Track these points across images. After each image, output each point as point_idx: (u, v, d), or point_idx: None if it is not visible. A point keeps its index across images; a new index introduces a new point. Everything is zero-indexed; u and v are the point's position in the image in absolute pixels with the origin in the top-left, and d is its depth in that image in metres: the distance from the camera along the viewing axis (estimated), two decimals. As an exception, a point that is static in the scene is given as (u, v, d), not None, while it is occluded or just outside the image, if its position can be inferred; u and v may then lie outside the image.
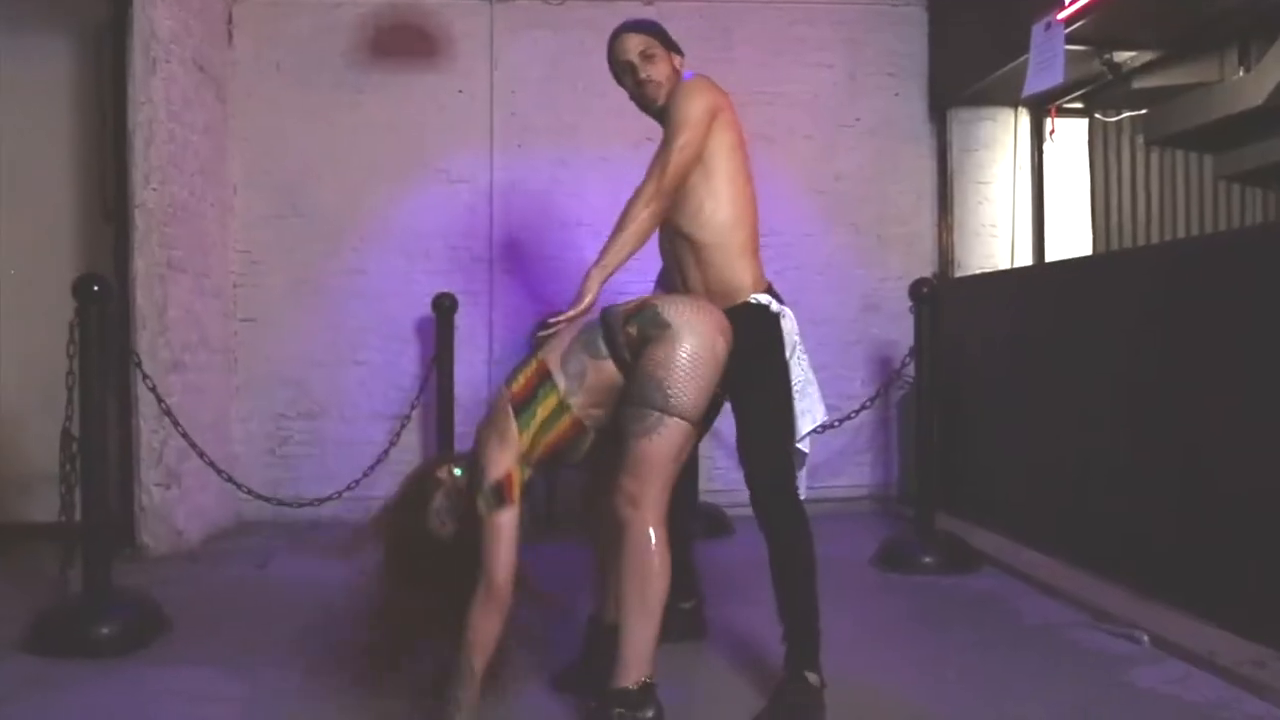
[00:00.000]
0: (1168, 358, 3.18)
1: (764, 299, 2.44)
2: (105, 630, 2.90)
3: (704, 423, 2.38)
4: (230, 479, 3.92)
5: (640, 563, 2.14)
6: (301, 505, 4.44)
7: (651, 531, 2.15)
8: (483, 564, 2.13)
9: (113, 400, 4.23)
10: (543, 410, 2.21)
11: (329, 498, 4.37)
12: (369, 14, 4.97)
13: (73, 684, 2.63)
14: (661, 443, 2.15)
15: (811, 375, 2.48)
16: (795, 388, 2.41)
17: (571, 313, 2.27)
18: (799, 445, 2.43)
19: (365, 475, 4.50)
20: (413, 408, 4.66)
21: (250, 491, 4.09)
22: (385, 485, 4.76)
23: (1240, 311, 2.83)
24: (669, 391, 2.14)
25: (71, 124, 4.50)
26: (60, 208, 4.49)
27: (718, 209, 2.43)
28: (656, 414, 2.14)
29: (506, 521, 2.14)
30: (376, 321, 4.97)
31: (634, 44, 2.54)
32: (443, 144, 5.00)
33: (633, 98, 2.59)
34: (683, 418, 2.16)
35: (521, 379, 2.25)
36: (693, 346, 2.17)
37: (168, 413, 3.82)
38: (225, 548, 4.38)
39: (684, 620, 2.86)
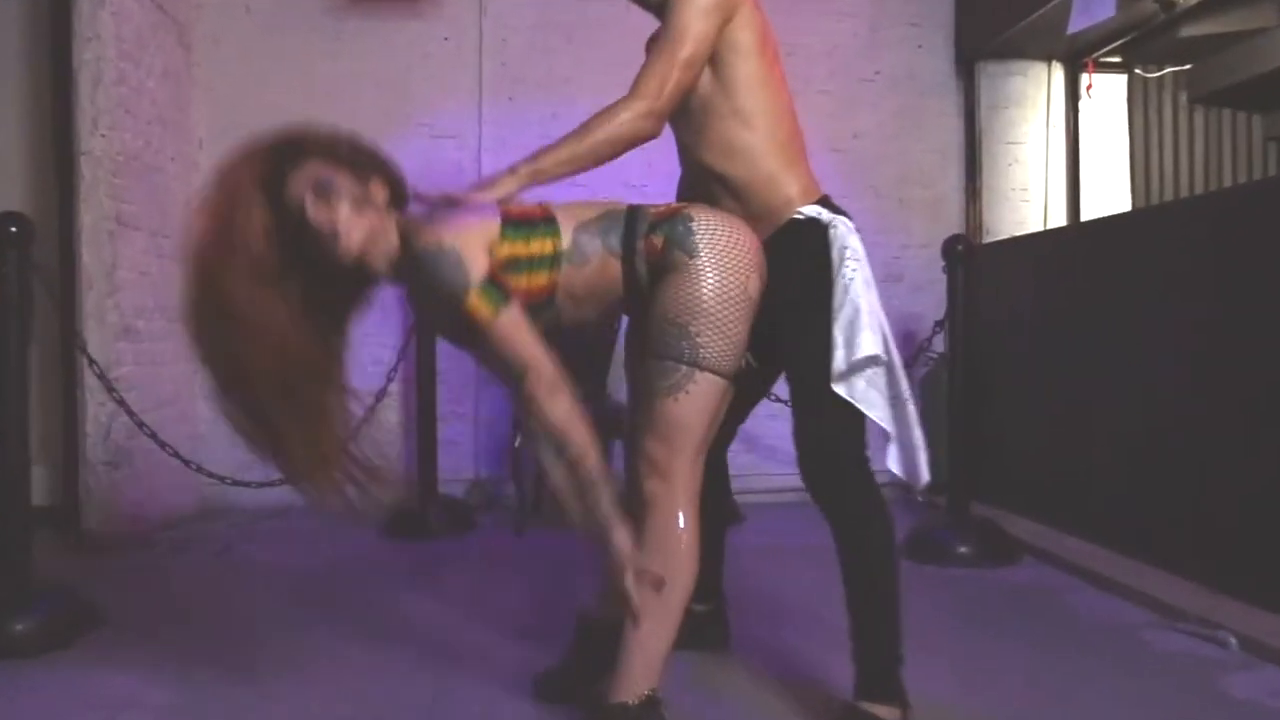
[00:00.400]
0: (1229, 317, 2.78)
1: (813, 211, 1.96)
2: (19, 627, 2.49)
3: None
4: (177, 454, 3.47)
5: (665, 548, 1.75)
6: (262, 486, 4.00)
7: (682, 513, 1.77)
8: (517, 362, 1.73)
9: (56, 368, 3.84)
10: (536, 245, 1.80)
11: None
12: (348, -46, 4.54)
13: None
14: (692, 402, 1.77)
15: (862, 295, 1.89)
16: (833, 312, 1.89)
17: (460, 194, 1.84)
18: (839, 391, 1.86)
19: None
20: (389, 380, 4.23)
21: (202, 470, 3.65)
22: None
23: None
24: (698, 341, 1.76)
25: (20, 57, 4.07)
26: (6, 152, 4.06)
27: (748, 135, 1.96)
28: (685, 368, 1.76)
29: (518, 315, 1.74)
30: (353, 289, 4.53)
31: None
32: (427, 96, 4.57)
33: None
34: (715, 371, 1.77)
35: (518, 207, 1.84)
36: (721, 285, 1.77)
37: (110, 387, 3.39)
38: (183, 534, 3.96)
39: (700, 625, 2.37)
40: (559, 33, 4.56)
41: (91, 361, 3.21)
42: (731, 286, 1.78)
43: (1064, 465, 3.74)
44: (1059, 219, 4.76)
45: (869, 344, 1.86)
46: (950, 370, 3.65)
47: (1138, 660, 2.40)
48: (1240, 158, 4.92)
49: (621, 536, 1.74)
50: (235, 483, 3.53)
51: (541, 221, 1.82)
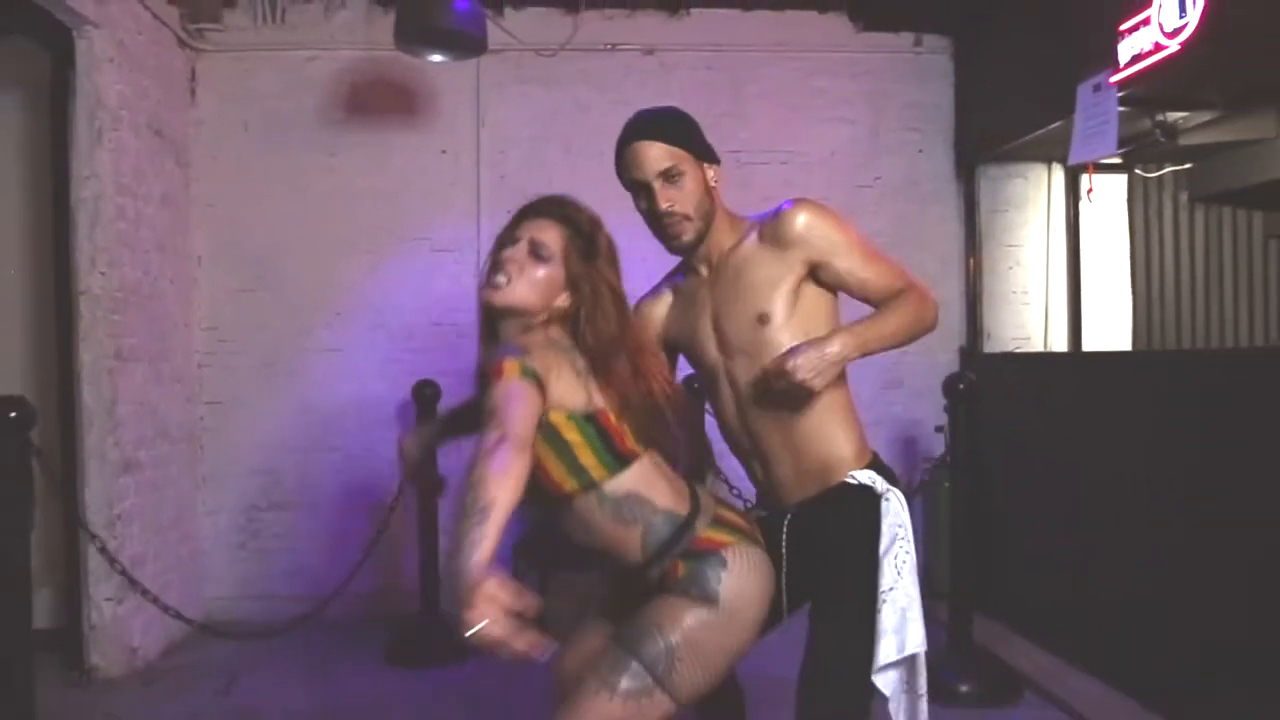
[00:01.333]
0: (1240, 463, 2.78)
1: (867, 478, 1.90)
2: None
3: None
4: (164, 606, 3.47)
5: None
6: (275, 599, 4.03)
7: None
8: (495, 415, 1.57)
9: (56, 508, 3.85)
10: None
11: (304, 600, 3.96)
12: (345, 68, 4.56)
13: None
14: (636, 715, 1.67)
15: (914, 582, 1.85)
16: (881, 594, 1.82)
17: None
18: (875, 681, 1.83)
19: (351, 577, 4.09)
20: (397, 497, 4.21)
21: (181, 617, 3.65)
22: (367, 581, 4.47)
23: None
24: (678, 665, 1.68)
25: (22, 193, 4.12)
26: (9, 289, 4.10)
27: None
28: (650, 681, 1.67)
29: (532, 393, 1.61)
30: (354, 405, 4.55)
31: (655, 157, 1.92)
32: (425, 210, 4.59)
33: (650, 225, 2.00)
34: (675, 700, 1.69)
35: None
36: (724, 639, 1.72)
37: (112, 560, 3.41)
38: (186, 663, 3.96)
39: None
40: (557, 143, 4.56)
41: (94, 538, 3.23)
42: (733, 642, 1.73)
43: (1064, 590, 3.72)
44: (1060, 321, 4.75)
45: (916, 639, 1.83)
46: (955, 501, 3.65)
47: None
48: (1241, 255, 4.91)
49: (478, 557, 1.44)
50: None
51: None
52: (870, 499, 1.89)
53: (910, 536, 1.88)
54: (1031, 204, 4.78)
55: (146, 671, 3.82)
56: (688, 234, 1.96)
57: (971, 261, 4.75)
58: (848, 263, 1.91)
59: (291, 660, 3.98)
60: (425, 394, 4.11)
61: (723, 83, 4.61)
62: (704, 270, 2.02)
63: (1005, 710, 3.35)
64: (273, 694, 3.60)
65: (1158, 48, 3.19)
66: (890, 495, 1.90)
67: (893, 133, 4.75)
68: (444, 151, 4.60)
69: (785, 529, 1.93)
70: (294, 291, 4.54)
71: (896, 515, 1.88)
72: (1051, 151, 4.62)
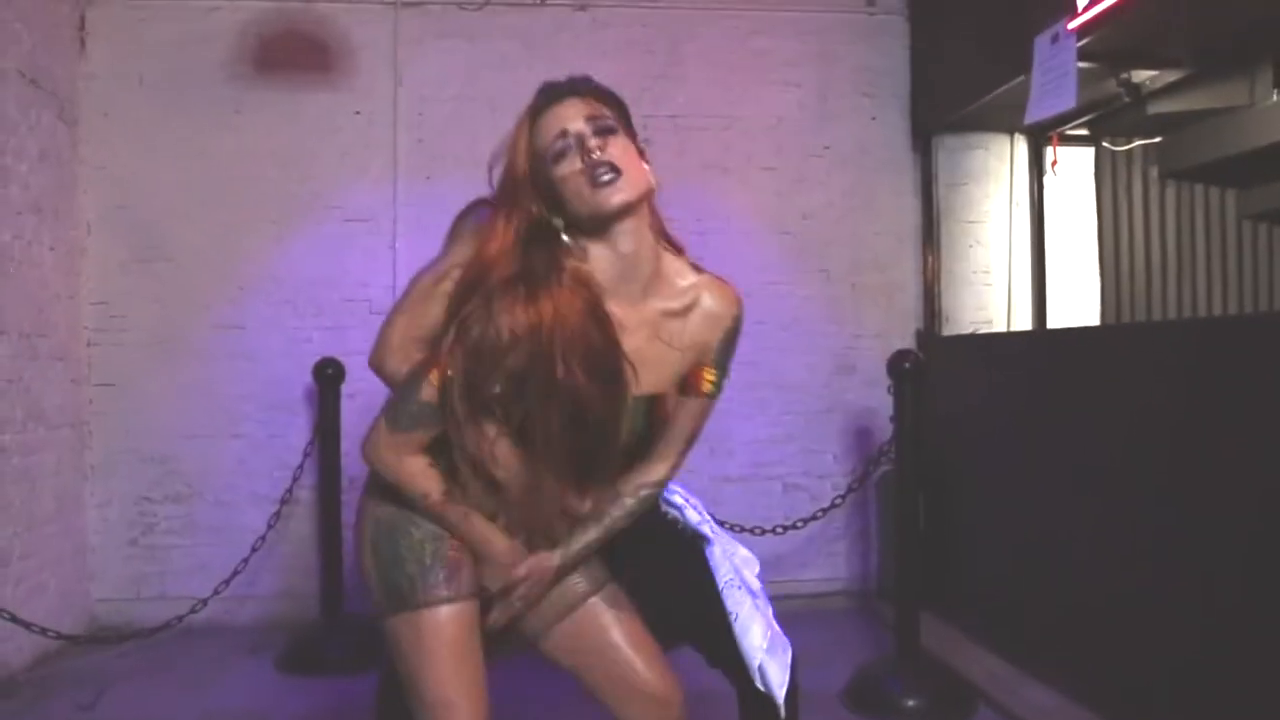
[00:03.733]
0: (1200, 443, 2.56)
1: None
2: None
3: None
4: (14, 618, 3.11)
5: None
6: (170, 599, 3.69)
7: None
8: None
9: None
10: None
11: (194, 607, 3.65)
12: (251, 20, 4.22)
13: None
14: None
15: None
16: None
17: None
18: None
19: (238, 573, 3.80)
20: (293, 489, 3.91)
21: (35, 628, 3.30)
22: (269, 582, 4.14)
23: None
24: None
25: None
26: None
27: None
28: None
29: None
30: (258, 387, 4.22)
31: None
32: (337, 175, 4.26)
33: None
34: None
35: None
36: None
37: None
38: (55, 672, 3.60)
39: None
40: (482, 104, 4.24)
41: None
42: None
43: (1021, 589, 3.45)
44: (1024, 303, 4.48)
45: None
46: (900, 490, 3.36)
47: None
48: (1214, 235, 4.68)
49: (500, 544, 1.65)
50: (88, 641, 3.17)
51: None
52: None
53: None
54: (993, 177, 4.51)
55: (10, 679, 3.47)
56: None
57: (929, 239, 4.48)
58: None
59: (174, 668, 3.66)
60: (326, 373, 3.79)
61: (659, 41, 4.31)
62: None
63: (956, 724, 3.06)
64: (144, 706, 3.27)
65: (1120, -11, 2.92)
66: None
67: (843, 98, 4.46)
68: (358, 112, 4.27)
69: None
70: (193, 263, 4.20)
71: None
72: (1014, 121, 4.34)
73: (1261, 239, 4.77)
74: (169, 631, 3.84)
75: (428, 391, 1.58)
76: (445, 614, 1.63)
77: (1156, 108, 3.98)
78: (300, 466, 3.97)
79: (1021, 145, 4.51)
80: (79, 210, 4.13)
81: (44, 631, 3.46)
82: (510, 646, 1.78)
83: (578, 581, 1.76)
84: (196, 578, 4.09)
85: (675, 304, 1.70)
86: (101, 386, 4.19)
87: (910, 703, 3.12)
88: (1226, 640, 2.45)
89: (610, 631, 1.75)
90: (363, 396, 4.05)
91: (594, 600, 1.76)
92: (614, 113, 1.66)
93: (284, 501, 3.98)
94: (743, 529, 3.64)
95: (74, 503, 4.09)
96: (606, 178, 1.57)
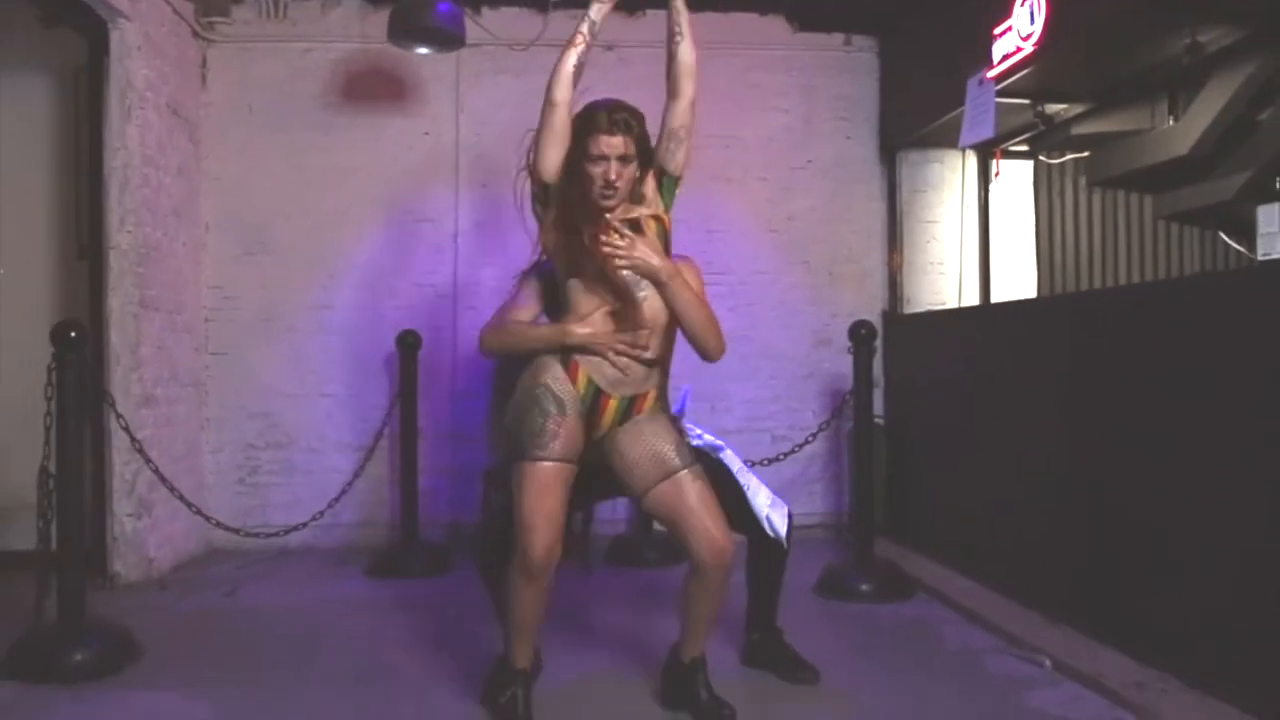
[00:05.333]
0: (1091, 399, 3.50)
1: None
2: (79, 656, 3.16)
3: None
4: (198, 510, 4.21)
5: None
6: (270, 535, 4.74)
7: None
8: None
9: (87, 433, 4.54)
10: None
11: (295, 527, 4.68)
12: (340, 59, 5.29)
13: (47, 709, 2.90)
14: None
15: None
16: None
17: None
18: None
19: (331, 505, 4.83)
20: (378, 439, 4.97)
21: (217, 523, 4.38)
22: (351, 513, 5.19)
23: (1169, 357, 3.08)
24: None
25: (50, 163, 4.85)
26: (37, 246, 4.82)
27: None
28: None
29: None
30: (344, 356, 5.27)
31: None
32: (409, 185, 5.31)
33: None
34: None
35: None
36: None
37: (140, 450, 4.13)
38: (194, 576, 4.66)
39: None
40: (528, 126, 5.22)
41: (133, 437, 3.93)
42: None
43: (961, 512, 4.47)
44: (972, 290, 5.51)
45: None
46: (857, 432, 4.38)
47: (970, 679, 3.13)
48: (1135, 233, 5.63)
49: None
50: (247, 534, 4.23)
51: None
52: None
53: None
54: (947, 185, 5.53)
55: (160, 579, 4.51)
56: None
57: (893, 236, 5.52)
58: None
59: (284, 575, 4.68)
60: (408, 342, 4.84)
61: (673, 75, 5.36)
62: None
63: (899, 604, 4.08)
64: (271, 597, 4.30)
65: (1018, 50, 3.97)
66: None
67: (824, 121, 5.52)
68: (427, 134, 5.33)
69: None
70: (291, 255, 5.25)
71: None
72: (964, 139, 5.38)
73: (1174, 237, 5.72)
74: (270, 550, 4.96)
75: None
76: (542, 468, 2.61)
77: (1078, 130, 4.96)
78: (385, 422, 5.02)
79: (971, 159, 5.51)
80: (201, 213, 5.20)
81: (218, 524, 4.59)
82: (620, 492, 2.81)
83: (674, 459, 2.61)
84: (293, 511, 5.12)
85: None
86: (215, 355, 5.24)
87: (864, 588, 4.14)
88: (1105, 539, 3.41)
89: (690, 496, 2.58)
90: (429, 365, 5.13)
91: (684, 473, 2.61)
92: (637, 146, 2.64)
93: (368, 450, 5.04)
94: (753, 463, 4.70)
95: (196, 448, 5.15)
96: (608, 194, 2.62)
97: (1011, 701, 2.93)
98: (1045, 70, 4.20)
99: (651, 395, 2.71)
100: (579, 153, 2.65)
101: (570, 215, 2.63)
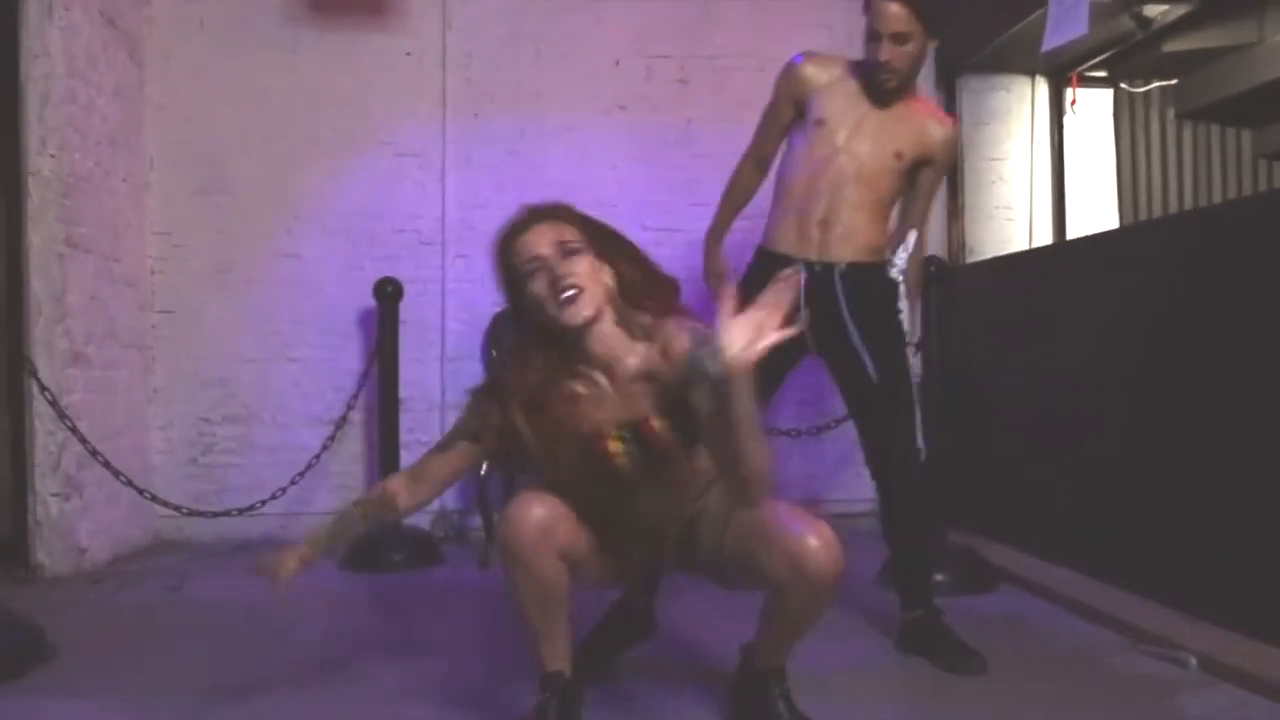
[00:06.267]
0: (1213, 341, 2.99)
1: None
2: (-31, 657, 2.64)
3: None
4: (130, 483, 3.68)
5: None
6: (217, 515, 4.23)
7: None
8: None
9: (2, 395, 4.01)
10: None
11: (252, 506, 4.22)
12: (306, -35, 4.78)
13: (-81, 720, 2.38)
14: None
15: None
16: None
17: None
18: None
19: (294, 482, 4.32)
20: (349, 408, 4.43)
21: (157, 499, 3.83)
22: (321, 498, 4.64)
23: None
24: None
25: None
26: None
27: None
28: None
29: None
30: (313, 313, 4.75)
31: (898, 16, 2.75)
32: (389, 113, 4.80)
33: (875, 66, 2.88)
34: None
35: None
36: None
37: (65, 417, 3.58)
38: (135, 568, 4.12)
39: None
40: (527, 45, 4.78)
41: (44, 388, 3.38)
42: None
43: (1042, 492, 3.95)
44: (1044, 238, 5.00)
45: None
46: (926, 395, 3.85)
47: (1097, 681, 2.60)
48: (1230, 174, 5.19)
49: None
50: (191, 513, 3.69)
51: None
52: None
53: None
54: (1015, 117, 5.04)
55: (93, 572, 3.98)
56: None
57: (952, 176, 4.99)
58: None
59: (242, 567, 4.13)
60: (386, 291, 4.31)
61: (695, -17, 4.88)
62: None
63: (983, 597, 3.55)
64: (223, 591, 3.76)
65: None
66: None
67: (871, 40, 4.99)
68: (408, 53, 4.81)
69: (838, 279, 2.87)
70: (251, 196, 4.73)
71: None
72: (1035, 62, 4.89)
73: (1278, 178, 5.27)
74: (228, 541, 4.43)
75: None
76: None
77: (1170, 46, 4.49)
78: (360, 390, 4.49)
79: (1043, 86, 5.04)
80: (144, 145, 4.67)
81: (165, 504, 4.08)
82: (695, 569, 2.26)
83: (716, 511, 2.12)
84: (254, 495, 4.58)
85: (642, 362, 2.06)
86: (164, 313, 4.71)
87: (939, 578, 3.57)
88: (1202, 512, 2.96)
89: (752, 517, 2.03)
90: (413, 325, 4.61)
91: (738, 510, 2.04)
92: (580, 233, 2.06)
93: (338, 424, 4.51)
94: (799, 432, 4.46)
95: (140, 422, 4.62)
96: (569, 294, 1.99)
97: (1162, 708, 2.40)
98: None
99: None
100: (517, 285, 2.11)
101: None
